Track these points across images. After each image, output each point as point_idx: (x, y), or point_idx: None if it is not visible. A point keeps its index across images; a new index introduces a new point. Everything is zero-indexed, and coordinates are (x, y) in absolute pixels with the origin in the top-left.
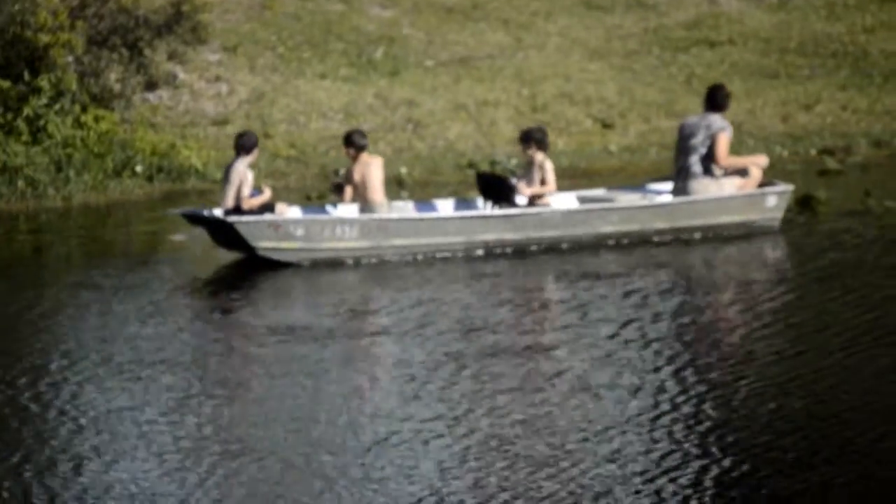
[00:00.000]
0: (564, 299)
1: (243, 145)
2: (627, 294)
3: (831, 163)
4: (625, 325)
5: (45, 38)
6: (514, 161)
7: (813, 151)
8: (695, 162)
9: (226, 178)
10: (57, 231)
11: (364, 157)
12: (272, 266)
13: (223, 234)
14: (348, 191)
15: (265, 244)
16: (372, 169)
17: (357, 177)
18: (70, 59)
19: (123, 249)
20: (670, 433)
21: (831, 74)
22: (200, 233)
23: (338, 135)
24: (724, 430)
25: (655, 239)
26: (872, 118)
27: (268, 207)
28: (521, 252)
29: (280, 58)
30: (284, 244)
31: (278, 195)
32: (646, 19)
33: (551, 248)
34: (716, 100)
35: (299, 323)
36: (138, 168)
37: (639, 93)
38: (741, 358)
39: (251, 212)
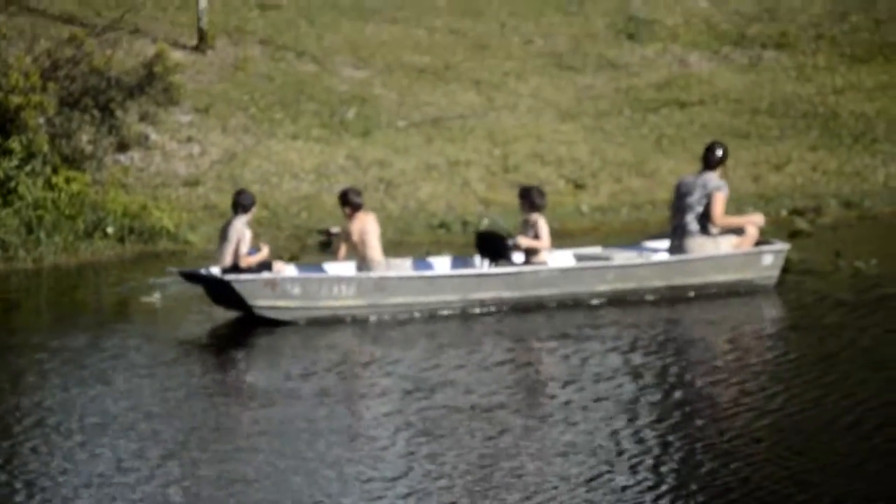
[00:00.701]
0: (558, 358)
1: (241, 203)
2: (617, 352)
3: (802, 223)
4: (616, 383)
5: (16, 100)
6: (485, 221)
7: (784, 212)
8: (691, 220)
9: (223, 236)
10: (27, 293)
11: (360, 215)
12: (259, 325)
13: (220, 292)
14: (342, 248)
15: (262, 303)
16: (369, 226)
17: (355, 235)
18: (41, 120)
19: (94, 311)
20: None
21: (802, 135)
22: (172, 294)
23: (309, 195)
24: (679, 491)
25: (651, 297)
26: (842, 179)
27: (265, 266)
28: (517, 310)
29: (252, 118)
30: (281, 303)
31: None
32: (617, 80)
33: (548, 306)
34: (708, 159)
35: (264, 384)
36: (109, 229)
37: (610, 153)
38: (709, 421)
39: (249, 270)
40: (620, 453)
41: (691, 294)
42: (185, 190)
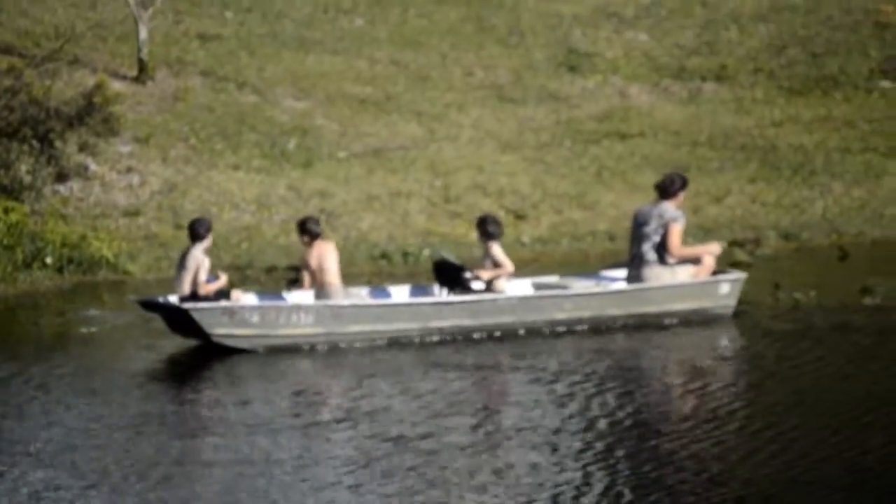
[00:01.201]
0: (491, 388)
1: (197, 232)
2: (558, 381)
3: (741, 255)
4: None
5: None
6: (425, 252)
7: (723, 244)
8: (648, 249)
9: (181, 264)
10: None
11: (319, 243)
12: (192, 356)
13: (179, 321)
14: (306, 277)
15: (220, 331)
16: (327, 255)
17: (314, 263)
18: None
19: (32, 341)
20: None
21: (741, 168)
22: (111, 325)
23: (250, 225)
24: None
25: (609, 325)
26: (781, 211)
27: (223, 294)
28: (475, 338)
29: (192, 149)
30: (239, 331)
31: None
32: (557, 112)
33: (505, 335)
34: (665, 189)
35: (194, 414)
36: (48, 259)
37: (551, 184)
38: (633, 448)
39: (207, 298)
40: (540, 484)
41: (650, 322)
42: (125, 220)
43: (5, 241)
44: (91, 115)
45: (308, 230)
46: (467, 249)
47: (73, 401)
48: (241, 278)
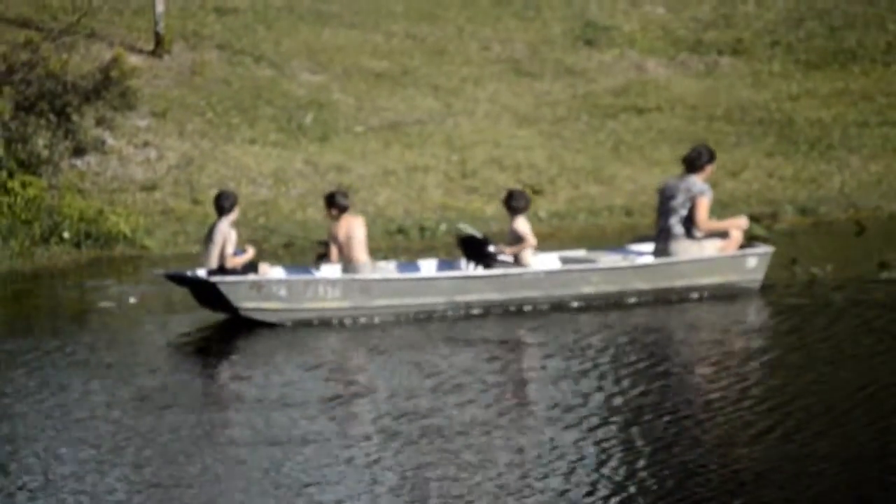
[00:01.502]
0: (539, 365)
1: (223, 205)
2: (597, 354)
3: (758, 230)
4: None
5: None
6: (442, 226)
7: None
8: (675, 223)
9: (209, 238)
10: None
11: (347, 216)
12: (209, 330)
13: (206, 294)
14: (334, 251)
15: (247, 304)
16: (355, 228)
17: (341, 236)
18: None
19: (49, 316)
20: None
21: (758, 142)
22: (127, 300)
23: (267, 200)
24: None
25: (636, 299)
26: (798, 185)
27: (251, 267)
28: (503, 312)
29: (209, 123)
30: (267, 304)
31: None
32: (574, 86)
33: (533, 308)
34: (692, 162)
35: (206, 388)
36: (66, 234)
37: (568, 159)
38: (648, 425)
39: (234, 271)
40: (555, 460)
41: (677, 296)
42: (142, 195)
43: (23, 216)
44: (108, 89)
45: (336, 203)
46: (484, 224)
47: (91, 374)
48: (259, 253)
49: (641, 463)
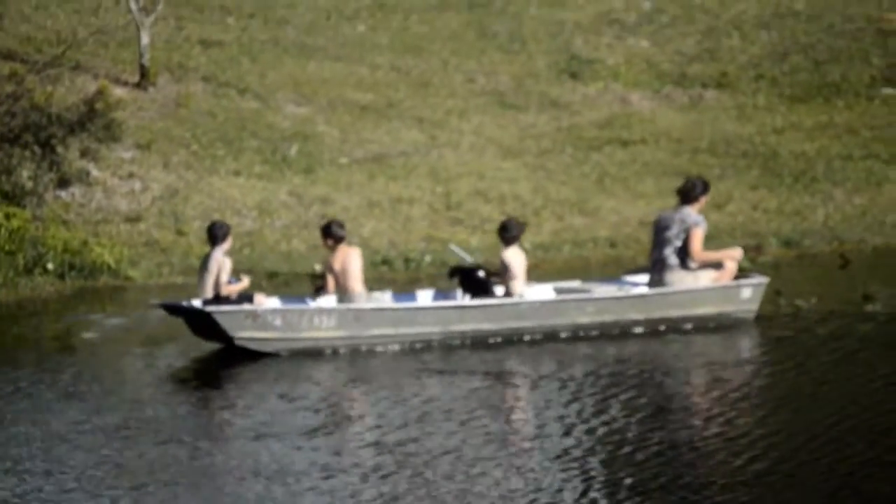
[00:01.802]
0: (534, 396)
1: (216, 235)
2: (587, 384)
3: (743, 262)
4: (581, 417)
5: None
6: (427, 258)
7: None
8: (670, 254)
9: (204, 267)
10: None
11: (343, 247)
12: (221, 357)
13: (201, 324)
14: (330, 281)
15: (243, 334)
16: (351, 259)
17: (337, 266)
18: None
19: (33, 347)
20: None
21: (742, 174)
22: (111, 331)
23: (252, 231)
24: None
25: (631, 330)
26: (782, 218)
27: (246, 297)
28: (496, 342)
29: (194, 155)
30: (262, 334)
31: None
32: (559, 118)
33: (527, 339)
34: (687, 193)
35: (189, 421)
36: (50, 265)
37: (552, 191)
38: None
39: (229, 300)
40: (538, 490)
41: (672, 327)
42: (127, 226)
43: (7, 247)
44: (93, 120)
45: (332, 234)
46: (469, 254)
47: (67, 405)
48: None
49: (620, 487)
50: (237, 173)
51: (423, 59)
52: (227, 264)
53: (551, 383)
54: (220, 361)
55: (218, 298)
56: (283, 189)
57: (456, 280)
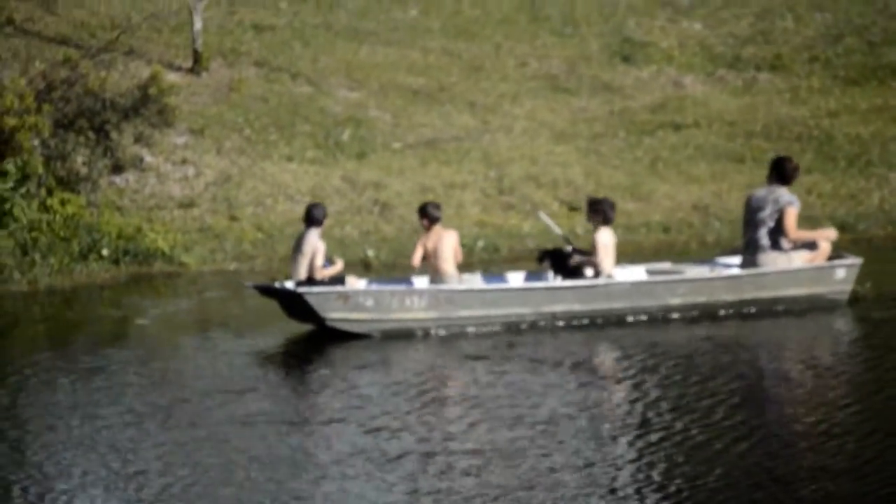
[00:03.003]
0: (621, 376)
1: (314, 216)
2: (679, 367)
3: None
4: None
5: (11, 122)
6: (480, 243)
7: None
8: (763, 235)
9: (298, 249)
10: (22, 315)
11: (437, 228)
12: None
13: (294, 305)
14: (418, 260)
15: (334, 315)
16: (444, 240)
17: (430, 247)
18: (36, 142)
19: (89, 333)
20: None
21: (796, 158)
22: (164, 317)
23: None
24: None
25: (723, 311)
26: (837, 202)
27: (339, 279)
28: (586, 323)
29: (247, 140)
30: (354, 315)
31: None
32: (611, 102)
33: (618, 320)
34: (784, 172)
35: (255, 408)
36: (104, 251)
37: (605, 175)
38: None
39: (323, 282)
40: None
41: (764, 308)
42: (180, 212)
43: (62, 233)
44: (146, 106)
45: (427, 214)
46: (520, 241)
47: (111, 391)
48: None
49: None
50: (290, 158)
51: (475, 42)
52: (322, 247)
53: (641, 366)
54: (317, 341)
55: (311, 280)
56: (336, 174)
57: (546, 263)
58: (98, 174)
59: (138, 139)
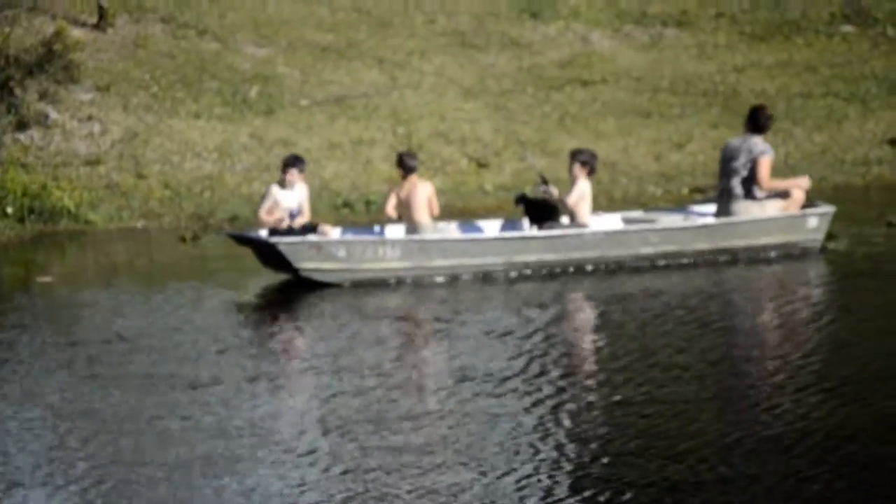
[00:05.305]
0: (592, 326)
1: (409, 166)
2: (655, 315)
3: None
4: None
5: None
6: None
7: (685, 190)
8: (736, 184)
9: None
10: None
11: (412, 178)
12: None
13: (268, 254)
14: (393, 211)
15: (307, 265)
16: (418, 190)
17: (403, 197)
18: None
19: None
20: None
21: (702, 113)
22: (65, 274)
23: (212, 174)
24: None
25: (696, 260)
26: None
27: (311, 228)
28: (559, 272)
29: (154, 97)
30: (326, 265)
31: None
32: (520, 58)
33: (592, 269)
34: (758, 121)
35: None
36: (9, 209)
37: (513, 131)
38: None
39: (293, 231)
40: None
41: (738, 256)
42: (86, 169)
43: None
44: (51, 62)
45: (403, 164)
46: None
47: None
48: (204, 228)
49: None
50: (197, 115)
51: None
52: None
53: (612, 316)
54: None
55: (291, 230)
56: (244, 131)
57: (521, 208)
58: (2, 131)
59: (43, 96)
